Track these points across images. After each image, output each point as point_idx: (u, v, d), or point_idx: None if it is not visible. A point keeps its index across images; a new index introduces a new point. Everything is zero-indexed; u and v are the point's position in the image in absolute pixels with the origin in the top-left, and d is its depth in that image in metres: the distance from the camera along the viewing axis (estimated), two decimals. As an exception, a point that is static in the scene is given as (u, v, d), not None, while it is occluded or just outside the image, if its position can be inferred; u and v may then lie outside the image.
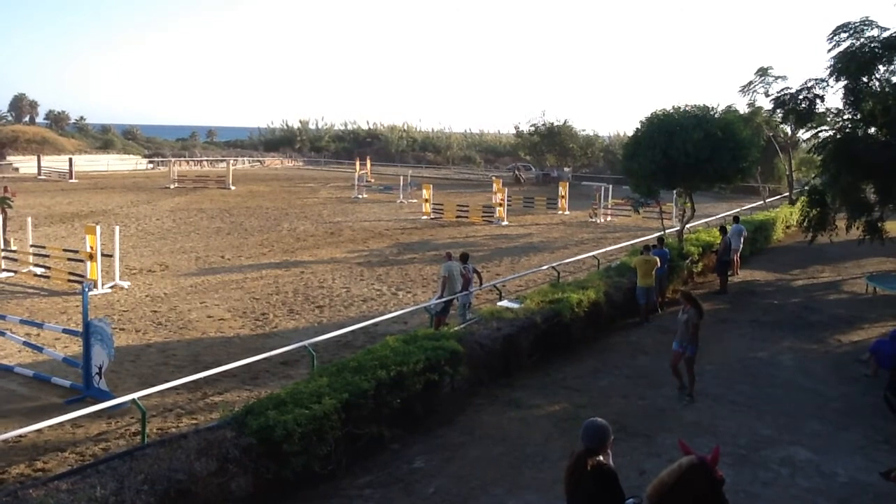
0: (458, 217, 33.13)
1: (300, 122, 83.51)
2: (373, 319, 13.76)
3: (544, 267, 19.68)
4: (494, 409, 10.84)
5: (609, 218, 35.13)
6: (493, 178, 42.19)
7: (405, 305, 16.30)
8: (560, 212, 36.99)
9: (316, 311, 16.23)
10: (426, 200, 34.10)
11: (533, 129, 59.52)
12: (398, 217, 33.91)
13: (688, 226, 21.74)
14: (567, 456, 5.57)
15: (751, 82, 32.48)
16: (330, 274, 20.15)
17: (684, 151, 17.81)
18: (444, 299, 13.98)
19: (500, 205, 33.20)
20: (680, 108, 19.03)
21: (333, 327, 13.65)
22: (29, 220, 21.23)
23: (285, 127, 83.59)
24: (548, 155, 60.46)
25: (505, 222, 32.41)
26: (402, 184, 40.85)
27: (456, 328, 12.07)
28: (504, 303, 13.85)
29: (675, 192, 25.43)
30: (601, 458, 5.25)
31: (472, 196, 42.11)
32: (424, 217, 33.43)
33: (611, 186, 37.24)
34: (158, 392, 9.67)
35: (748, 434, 10.03)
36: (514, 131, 64.89)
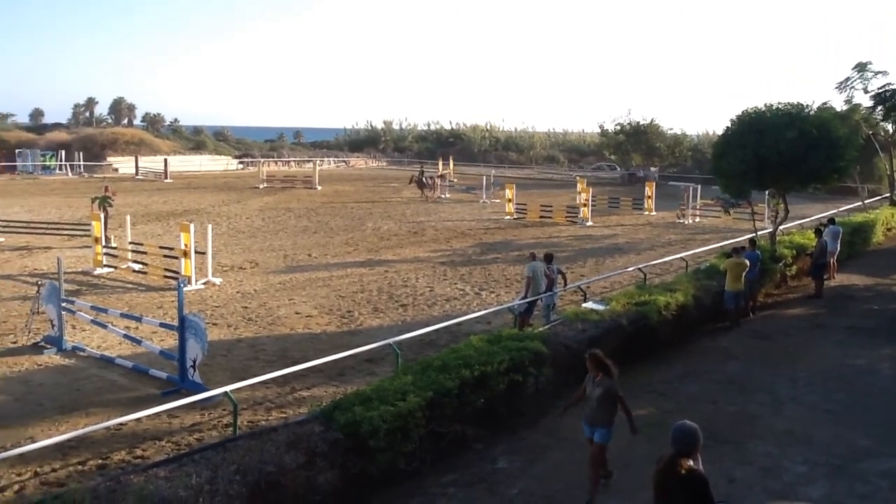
0: (541, 217, 32.93)
1: (384, 122, 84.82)
2: (456, 319, 13.81)
3: (630, 268, 19.36)
4: (579, 411, 10.68)
5: (697, 219, 34.29)
6: (577, 177, 41.81)
7: (488, 305, 16.31)
8: (646, 212, 36.32)
9: (400, 309, 16.40)
10: (509, 200, 34.03)
11: (618, 127, 58.73)
12: (481, 217, 33.93)
13: (781, 227, 21.02)
14: (654, 461, 5.49)
15: (848, 78, 31.09)
16: (413, 273, 20.33)
17: (776, 150, 17.23)
18: (528, 300, 13.92)
19: (585, 205, 32.82)
20: (772, 105, 18.41)
21: (417, 326, 13.75)
22: (128, 218, 22.16)
23: (370, 128, 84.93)
24: (633, 154, 59.53)
25: (589, 223, 32.03)
26: (484, 183, 40.88)
27: (540, 329, 12.02)
28: (589, 304, 13.70)
29: (767, 192, 24.65)
30: (692, 462, 5.16)
31: (556, 196, 41.78)
32: (507, 217, 33.37)
33: (699, 186, 36.33)
34: (249, 385, 10.01)
35: (845, 445, 9.61)
36: (598, 130, 64.19)
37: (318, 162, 56.73)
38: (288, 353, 12.92)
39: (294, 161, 67.84)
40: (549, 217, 32.84)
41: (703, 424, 5.57)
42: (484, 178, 42.11)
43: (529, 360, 10.23)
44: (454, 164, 57.61)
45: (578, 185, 35.85)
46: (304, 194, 42.44)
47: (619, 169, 61.36)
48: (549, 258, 14.53)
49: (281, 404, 10.67)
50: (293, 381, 11.25)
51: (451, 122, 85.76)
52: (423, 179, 42.23)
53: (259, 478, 6.94)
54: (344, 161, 72.18)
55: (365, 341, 12.59)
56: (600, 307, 13.26)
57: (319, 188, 45.25)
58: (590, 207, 32.90)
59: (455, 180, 50.24)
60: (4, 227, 24.90)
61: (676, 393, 11.53)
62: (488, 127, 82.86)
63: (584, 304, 13.83)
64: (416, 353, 12.38)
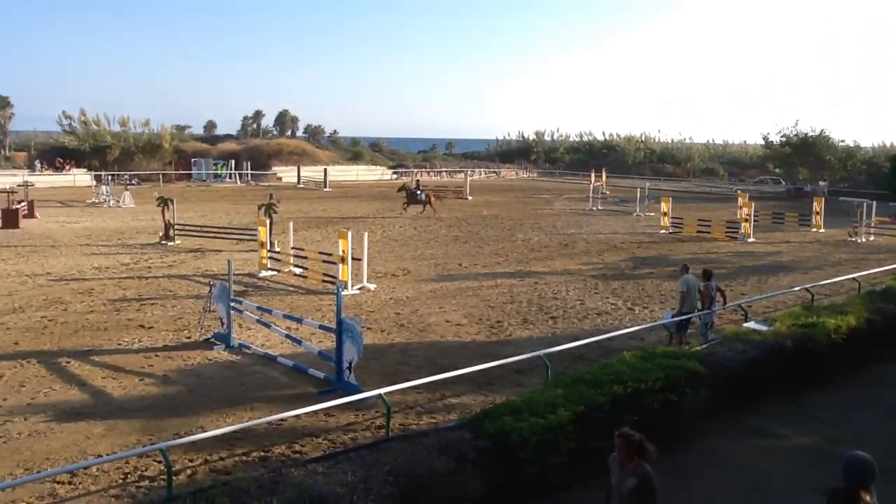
0: (698, 232, 31.73)
1: (536, 133, 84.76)
2: (607, 333, 13.57)
3: (796, 288, 18.28)
4: (736, 435, 10.23)
5: (872, 237, 31.95)
6: (738, 191, 40.05)
7: (641, 321, 15.88)
8: (814, 229, 34.22)
9: (549, 321, 16.28)
10: (665, 214, 33.06)
11: (784, 139, 55.78)
12: (634, 230, 33.17)
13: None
14: (822, 492, 5.13)
15: None
16: (564, 285, 20.13)
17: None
18: (684, 317, 13.43)
19: (746, 220, 31.37)
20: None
21: (567, 339, 13.62)
22: (290, 224, 23.28)
23: (521, 139, 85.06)
24: (800, 168, 56.39)
25: (751, 239, 30.55)
26: (638, 196, 39.95)
27: (697, 348, 11.59)
28: (751, 324, 13.07)
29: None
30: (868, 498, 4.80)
31: (715, 210, 40.17)
32: (662, 231, 32.42)
33: (874, 203, 33.83)
34: (400, 389, 10.26)
35: None
36: (762, 142, 61.27)
37: (469, 172, 57.47)
38: (437, 360, 13.11)
39: (446, 171, 69.08)
40: (707, 232, 31.59)
41: (877, 458, 5.15)
42: (638, 190, 41.13)
43: (685, 380, 9.87)
44: (606, 176, 56.68)
45: (739, 199, 34.34)
46: (454, 204, 43.07)
47: (784, 183, 58.21)
48: (707, 275, 13.97)
49: (431, 410, 10.84)
50: (443, 388, 11.40)
51: (604, 133, 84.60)
52: (417, 193, 37.19)
53: (410, 480, 7.06)
54: (495, 172, 72.73)
55: (514, 352, 12.58)
56: (763, 328, 12.61)
57: (470, 198, 45.81)
58: (752, 223, 31.39)
59: (607, 192, 49.46)
60: (181, 230, 26.87)
61: (845, 422, 10.77)
62: (643, 138, 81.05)
63: (745, 324, 13.21)
64: (565, 366, 12.23)
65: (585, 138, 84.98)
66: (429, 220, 34.83)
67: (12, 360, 12.77)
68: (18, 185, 34.89)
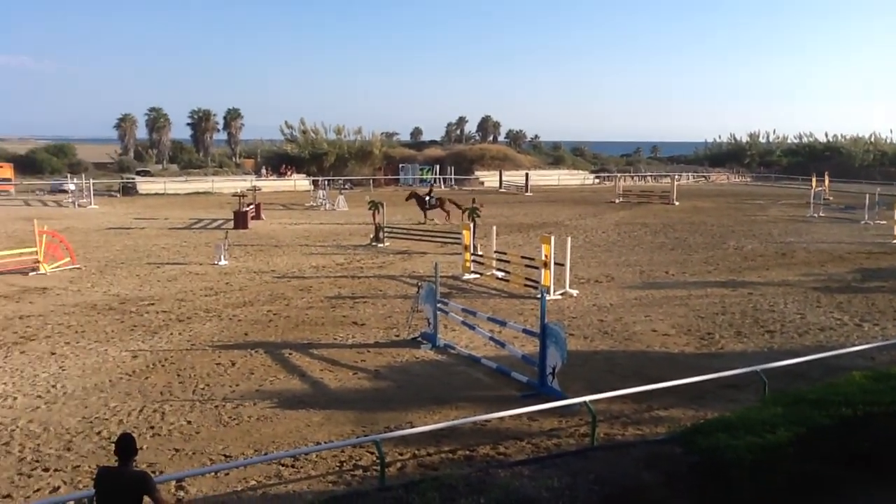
0: (938, 243, 28.52)
1: (749, 135, 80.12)
2: (832, 351, 12.57)
3: None
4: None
5: None
6: None
7: (871, 339, 14.50)
8: None
9: (766, 335, 15.28)
10: (899, 222, 30.04)
11: None
12: (862, 240, 30.38)
13: None
14: None
15: None
16: (781, 297, 18.83)
17: None
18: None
19: None
20: None
21: (785, 355, 12.73)
22: (493, 228, 23.63)
23: (732, 141, 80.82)
24: None
25: None
26: (867, 202, 36.61)
27: (940, 371, 10.40)
28: None
29: None
30: None
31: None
32: (895, 241, 29.49)
33: None
34: (605, 398, 10.08)
35: None
36: None
37: (675, 177, 55.50)
38: (643, 371, 12.72)
39: (650, 176, 67.20)
40: (950, 243, 28.31)
41: None
42: (867, 196, 37.64)
43: (927, 405, 8.90)
44: (829, 181, 52.47)
45: None
46: (660, 210, 41.80)
47: None
48: (953, 290, 12.52)
49: (637, 421, 10.53)
50: (649, 399, 11.02)
51: (826, 135, 78.38)
52: (428, 198, 35.76)
53: (616, 491, 6.93)
54: (703, 176, 69.76)
55: (726, 366, 11.95)
56: None
57: (677, 204, 44.22)
58: None
59: (831, 198, 45.81)
60: (390, 233, 28.15)
61: None
62: (872, 139, 74.19)
63: None
64: (783, 383, 11.41)
65: (805, 140, 79.25)
66: (632, 226, 34.01)
67: (243, 349, 13.98)
68: (247, 190, 38.19)
